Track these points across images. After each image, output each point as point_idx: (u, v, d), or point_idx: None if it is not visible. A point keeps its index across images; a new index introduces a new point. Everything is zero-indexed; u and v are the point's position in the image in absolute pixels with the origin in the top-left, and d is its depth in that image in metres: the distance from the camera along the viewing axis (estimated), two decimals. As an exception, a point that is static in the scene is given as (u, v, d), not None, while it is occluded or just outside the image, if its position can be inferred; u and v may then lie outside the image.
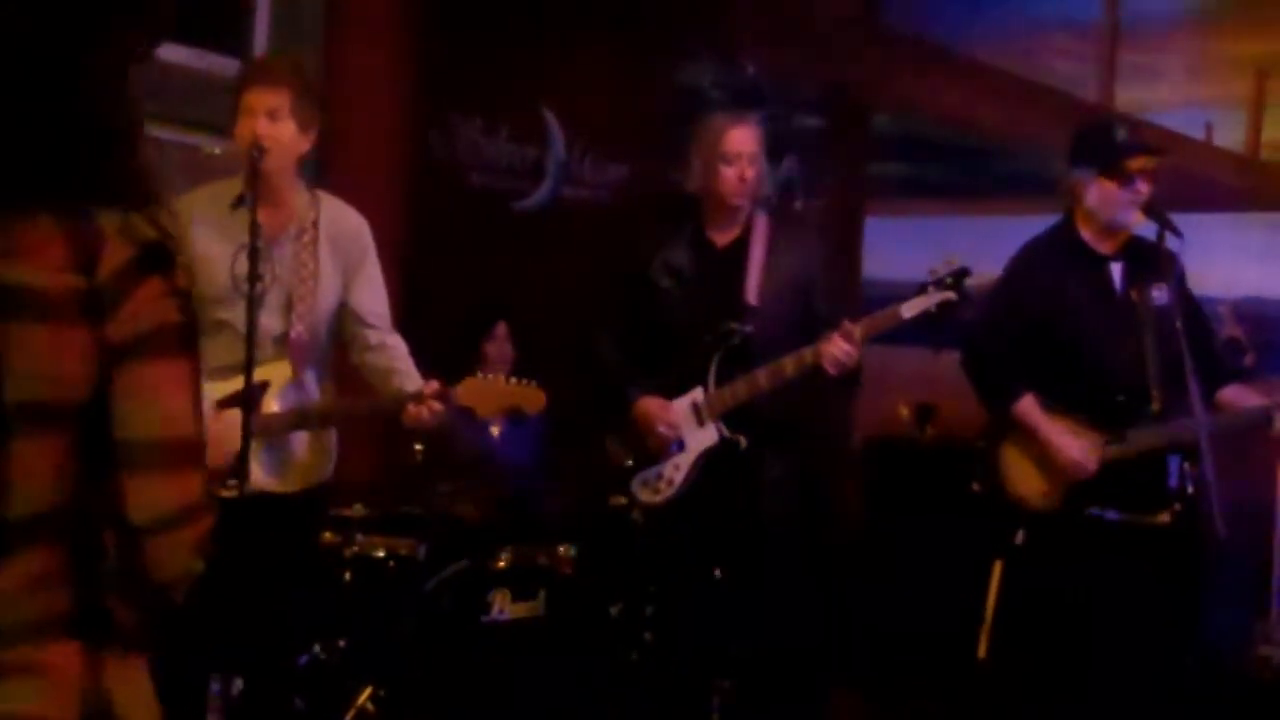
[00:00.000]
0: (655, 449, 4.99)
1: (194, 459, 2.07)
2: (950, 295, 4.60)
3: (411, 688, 5.27)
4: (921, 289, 4.66)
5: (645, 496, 5.05)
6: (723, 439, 4.88)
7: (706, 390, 4.89)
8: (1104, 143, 4.82)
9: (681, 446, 4.95)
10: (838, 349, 4.63)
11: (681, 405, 4.94)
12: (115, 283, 1.95)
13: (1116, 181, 4.73)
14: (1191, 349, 4.47)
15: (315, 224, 4.44)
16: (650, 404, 4.97)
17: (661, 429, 4.94)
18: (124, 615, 2.07)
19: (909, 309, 4.64)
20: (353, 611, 5.47)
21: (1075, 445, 4.72)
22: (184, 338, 2.05)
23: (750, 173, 4.96)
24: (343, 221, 4.56)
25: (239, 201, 4.35)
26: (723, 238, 5.07)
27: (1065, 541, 4.74)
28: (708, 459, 4.93)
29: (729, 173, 4.97)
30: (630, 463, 5.08)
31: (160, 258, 1.99)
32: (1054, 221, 5.01)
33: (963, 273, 4.61)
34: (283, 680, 4.87)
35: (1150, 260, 4.70)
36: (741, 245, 5.03)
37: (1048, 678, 4.74)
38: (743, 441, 4.87)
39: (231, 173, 4.48)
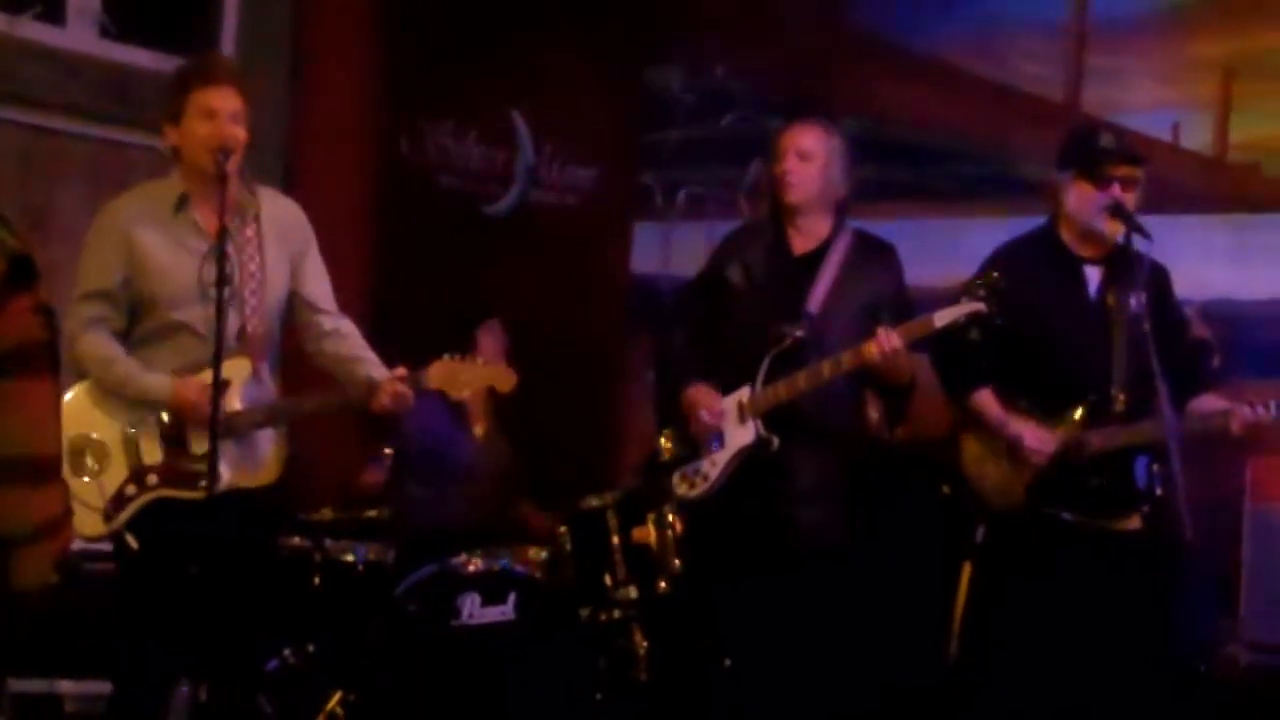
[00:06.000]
0: (696, 436, 4.98)
1: (57, 473, 2.09)
2: (979, 306, 4.57)
3: (381, 692, 5.26)
4: (955, 297, 4.66)
5: (682, 490, 5.04)
6: (758, 438, 4.87)
7: (753, 389, 4.88)
8: (1087, 146, 4.84)
9: (721, 443, 4.95)
10: (873, 344, 4.62)
11: (729, 402, 4.93)
12: None
13: (1094, 185, 4.75)
14: (1162, 356, 4.47)
15: (257, 217, 4.43)
16: (698, 391, 4.97)
17: (703, 415, 4.93)
18: None
19: (941, 318, 4.61)
20: (322, 616, 5.47)
21: (1029, 429, 4.74)
22: (50, 355, 2.05)
23: (790, 168, 4.96)
24: (283, 212, 4.57)
25: (182, 203, 4.35)
26: (801, 245, 5.05)
27: (1029, 542, 4.74)
28: (743, 458, 4.92)
29: (774, 169, 5.01)
30: (669, 456, 5.08)
31: (27, 271, 1.98)
32: (1029, 223, 5.03)
33: (996, 283, 4.59)
34: (251, 684, 4.86)
35: (1132, 268, 4.70)
36: (818, 256, 5.01)
37: (1017, 679, 4.74)
38: (775, 442, 4.86)
39: (158, 173, 4.48)
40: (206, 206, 4.32)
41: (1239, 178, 6.51)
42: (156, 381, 4.31)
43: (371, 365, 4.49)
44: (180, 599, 4.23)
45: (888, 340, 4.61)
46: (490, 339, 6.19)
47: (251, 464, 4.41)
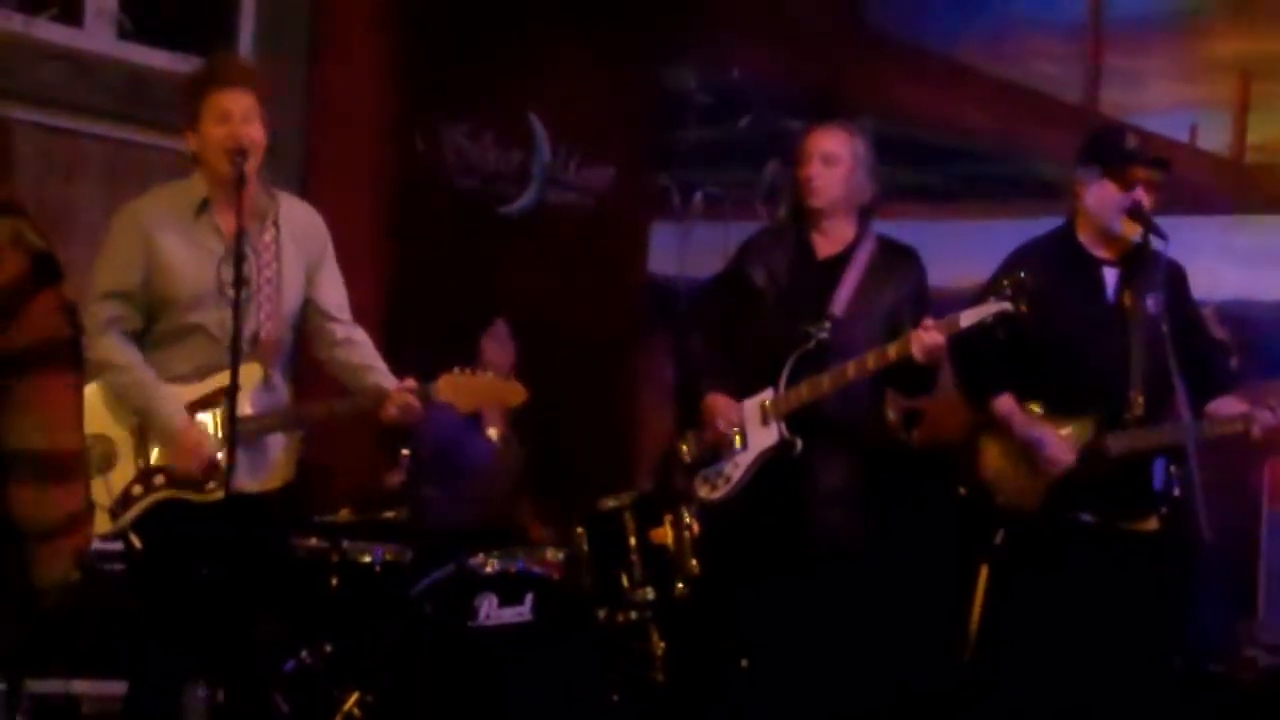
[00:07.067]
0: (714, 443, 4.99)
1: (79, 470, 2.10)
2: (1007, 306, 4.54)
3: (398, 693, 5.26)
4: (981, 297, 4.65)
5: (704, 492, 5.05)
6: (781, 439, 4.87)
7: (776, 391, 4.88)
8: (1114, 146, 4.83)
9: (744, 445, 4.95)
10: (914, 340, 4.57)
11: (751, 404, 4.93)
12: (12, 295, 1.94)
13: (1118, 185, 4.74)
14: (1180, 358, 4.46)
15: (276, 222, 4.43)
16: (718, 399, 4.97)
17: (721, 424, 4.93)
18: None
19: (967, 318, 4.58)
20: (339, 617, 5.47)
21: (1050, 439, 4.73)
22: (73, 352, 2.06)
23: (814, 172, 4.95)
24: (301, 217, 4.56)
25: (204, 206, 4.35)
26: (825, 249, 5.05)
27: (1047, 544, 4.73)
28: (766, 460, 4.92)
29: (799, 174, 5.01)
30: (690, 459, 5.09)
31: (51, 269, 1.99)
32: (1045, 225, 5.02)
33: (1024, 283, 4.56)
34: (269, 685, 4.86)
35: (1150, 269, 4.69)
36: (842, 260, 5.00)
37: (1033, 680, 4.73)
38: (799, 444, 4.85)
39: (176, 173, 4.48)
40: (228, 210, 4.29)
41: (1256, 179, 6.50)
42: (168, 411, 4.29)
43: (381, 375, 4.48)
44: (189, 600, 4.23)
45: (930, 336, 4.58)
46: (495, 344, 6.19)
47: (259, 469, 4.39)
